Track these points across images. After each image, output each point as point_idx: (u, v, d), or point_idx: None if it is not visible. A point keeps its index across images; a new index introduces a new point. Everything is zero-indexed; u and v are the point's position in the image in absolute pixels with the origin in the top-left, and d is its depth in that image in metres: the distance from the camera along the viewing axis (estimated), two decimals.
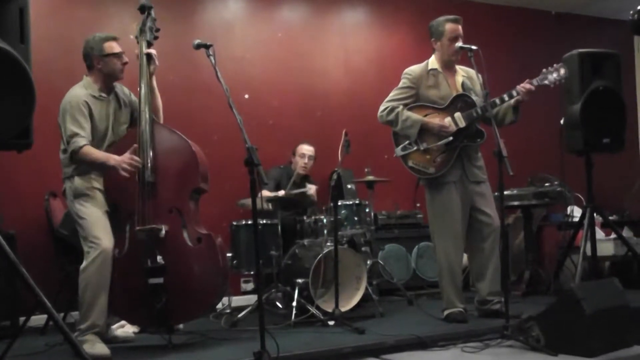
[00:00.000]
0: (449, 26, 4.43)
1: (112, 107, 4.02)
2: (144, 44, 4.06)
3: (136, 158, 3.77)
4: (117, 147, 3.91)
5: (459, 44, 4.37)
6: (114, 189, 3.89)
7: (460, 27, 4.43)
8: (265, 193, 5.34)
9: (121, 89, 4.14)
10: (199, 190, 4.03)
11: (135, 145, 3.81)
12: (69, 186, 3.89)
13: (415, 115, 4.41)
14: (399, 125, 4.42)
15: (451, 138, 4.36)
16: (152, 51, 4.05)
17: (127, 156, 3.75)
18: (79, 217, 3.81)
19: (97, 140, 3.90)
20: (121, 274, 3.77)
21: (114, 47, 3.99)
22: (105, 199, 3.89)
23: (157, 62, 4.07)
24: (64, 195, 3.98)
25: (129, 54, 4.07)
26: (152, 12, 4.11)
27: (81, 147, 3.77)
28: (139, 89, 4.00)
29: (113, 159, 3.77)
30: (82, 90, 3.92)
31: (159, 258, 3.76)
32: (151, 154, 3.88)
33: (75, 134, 3.78)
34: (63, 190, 3.98)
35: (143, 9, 4.10)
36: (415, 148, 4.42)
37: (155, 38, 4.12)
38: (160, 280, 3.74)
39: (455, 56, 4.45)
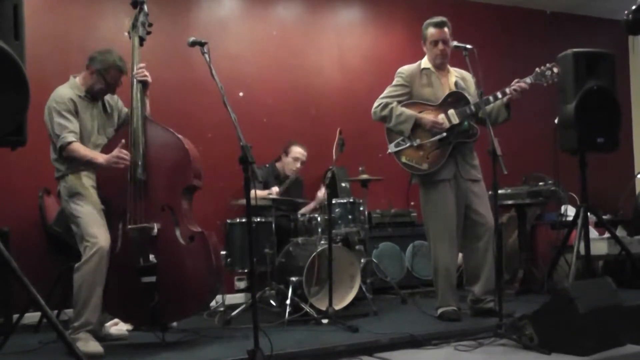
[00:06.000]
0: (429, 31, 4.46)
1: (98, 108, 4.01)
2: (137, 40, 4.03)
3: (124, 151, 3.73)
4: (108, 147, 3.89)
5: (441, 47, 4.40)
6: (107, 186, 3.89)
7: (442, 31, 4.41)
8: (259, 193, 5.32)
9: (109, 95, 4.12)
10: (191, 187, 4.01)
11: (123, 140, 3.77)
12: (63, 186, 3.89)
13: (409, 111, 4.41)
14: (392, 121, 4.42)
15: (445, 134, 4.36)
16: (145, 78, 3.95)
17: (115, 152, 3.72)
18: (75, 216, 3.80)
19: (84, 138, 3.90)
20: (114, 272, 3.76)
21: (113, 75, 3.93)
22: (99, 196, 3.88)
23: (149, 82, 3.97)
24: (59, 195, 3.97)
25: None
26: (145, 7, 4.07)
27: (69, 143, 3.77)
28: (130, 86, 3.97)
29: (101, 156, 3.77)
30: (68, 90, 3.91)
31: (151, 257, 3.75)
32: (142, 151, 3.86)
33: (64, 129, 3.78)
34: (58, 190, 3.96)
35: (135, 4, 4.07)
36: (408, 144, 4.42)
37: (148, 33, 4.08)
38: (152, 279, 3.72)
39: (438, 59, 4.45)
